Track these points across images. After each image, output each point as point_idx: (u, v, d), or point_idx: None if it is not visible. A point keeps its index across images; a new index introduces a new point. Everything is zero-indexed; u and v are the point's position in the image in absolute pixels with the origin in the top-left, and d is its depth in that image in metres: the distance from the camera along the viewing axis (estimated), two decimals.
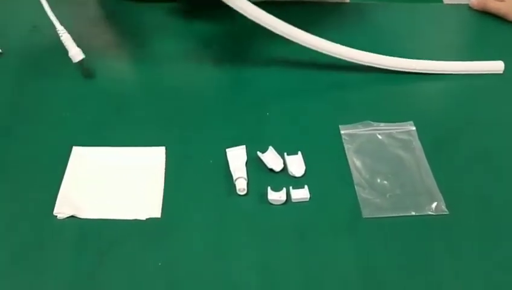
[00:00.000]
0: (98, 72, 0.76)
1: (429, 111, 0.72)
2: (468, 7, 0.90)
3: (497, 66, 0.78)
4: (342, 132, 0.68)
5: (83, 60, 0.73)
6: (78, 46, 0.73)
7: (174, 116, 0.69)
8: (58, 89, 0.73)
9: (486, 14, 0.88)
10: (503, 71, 0.78)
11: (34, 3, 0.86)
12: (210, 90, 0.74)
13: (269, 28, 0.70)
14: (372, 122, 0.68)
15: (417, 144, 0.67)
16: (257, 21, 0.70)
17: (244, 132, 0.68)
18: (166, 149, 0.65)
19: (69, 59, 0.74)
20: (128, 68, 0.78)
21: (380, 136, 0.67)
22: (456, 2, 0.97)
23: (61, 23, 0.74)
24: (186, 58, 0.78)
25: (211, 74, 0.76)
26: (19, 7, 0.86)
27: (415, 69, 0.76)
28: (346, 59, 0.75)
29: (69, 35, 0.73)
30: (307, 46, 0.72)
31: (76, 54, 0.72)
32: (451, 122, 0.71)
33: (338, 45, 0.74)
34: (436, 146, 0.67)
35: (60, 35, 0.73)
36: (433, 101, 0.75)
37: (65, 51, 0.75)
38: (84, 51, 0.73)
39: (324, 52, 0.73)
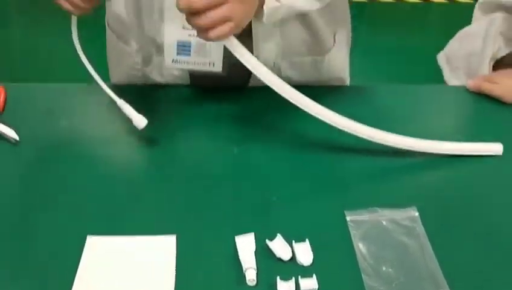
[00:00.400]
0: (110, 157, 0.79)
1: (431, 194, 0.74)
2: (465, 89, 0.94)
3: (496, 148, 0.81)
4: (347, 218, 0.70)
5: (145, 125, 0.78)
6: (89, 136, 0.77)
7: (184, 202, 0.72)
8: (71, 175, 0.76)
9: (484, 96, 0.92)
10: (502, 153, 0.81)
11: (49, 89, 0.91)
12: (218, 174, 0.77)
13: (281, 92, 0.74)
14: (376, 208, 0.70)
15: (420, 229, 0.68)
16: (268, 82, 0.73)
17: (252, 218, 0.70)
18: (177, 237, 0.67)
19: (83, 146, 0.77)
20: (139, 152, 0.81)
21: (384, 223, 0.69)
22: (460, 84, 1.01)
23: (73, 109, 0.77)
24: (194, 141, 0.82)
25: (218, 157, 0.79)
26: (35, 92, 0.91)
27: (413, 148, 0.79)
28: (358, 134, 0.77)
29: (128, 105, 0.79)
30: (316, 115, 0.75)
31: (140, 121, 0.78)
32: (453, 205, 0.73)
33: (348, 119, 0.77)
34: (439, 230, 0.69)
35: (121, 106, 0.79)
36: (434, 184, 0.77)
37: (79, 137, 0.79)
38: (96, 136, 0.76)
39: (332, 123, 0.76)
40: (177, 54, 0.80)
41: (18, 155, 0.78)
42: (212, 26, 0.65)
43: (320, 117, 0.76)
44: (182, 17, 0.67)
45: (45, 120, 0.84)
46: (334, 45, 0.94)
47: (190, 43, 0.79)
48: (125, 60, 0.92)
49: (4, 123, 0.81)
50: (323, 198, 0.73)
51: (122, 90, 0.91)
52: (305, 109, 0.75)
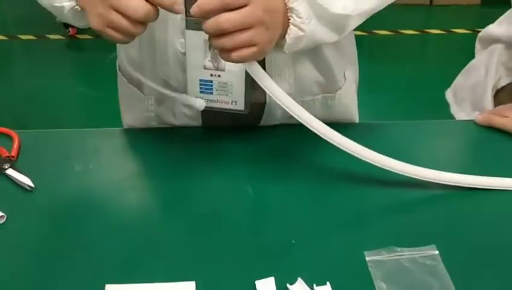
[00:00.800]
0: (126, 203, 0.79)
1: (450, 232, 0.74)
2: (474, 122, 0.95)
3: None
4: (367, 258, 0.69)
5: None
6: (104, 181, 0.76)
7: (201, 247, 0.71)
8: (87, 222, 0.75)
9: (493, 129, 0.93)
10: None
11: (63, 134, 0.91)
12: (235, 216, 0.76)
13: (302, 121, 0.76)
14: (395, 248, 0.70)
15: (442, 268, 0.68)
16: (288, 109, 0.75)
17: (272, 261, 0.69)
18: (196, 284, 0.66)
19: (98, 192, 0.77)
20: (154, 196, 0.81)
21: (404, 263, 0.68)
22: (466, 116, 1.02)
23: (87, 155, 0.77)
24: (209, 183, 0.81)
25: (234, 199, 0.79)
26: (48, 139, 0.91)
27: (435, 180, 0.79)
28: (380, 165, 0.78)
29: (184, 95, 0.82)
30: (339, 146, 0.76)
31: (201, 104, 0.80)
32: (473, 242, 0.72)
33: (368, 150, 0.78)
34: (460, 269, 0.68)
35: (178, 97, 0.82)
36: (453, 221, 0.77)
37: (94, 182, 0.79)
38: (111, 181, 0.76)
39: (358, 155, 0.77)
40: (200, 92, 0.81)
41: (33, 202, 0.78)
42: (237, 48, 0.66)
43: (344, 148, 0.77)
44: (203, 58, 0.69)
45: (60, 166, 0.84)
46: (344, 82, 0.95)
47: (212, 81, 0.80)
48: (138, 103, 0.93)
49: (18, 170, 0.82)
50: (341, 237, 0.73)
51: (134, 134, 0.92)
52: (328, 139, 0.76)
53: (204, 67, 0.78)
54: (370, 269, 0.68)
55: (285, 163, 0.85)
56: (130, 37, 0.68)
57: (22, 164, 0.84)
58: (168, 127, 0.93)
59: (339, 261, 0.69)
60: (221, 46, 0.67)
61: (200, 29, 0.79)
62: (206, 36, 0.80)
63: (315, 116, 0.91)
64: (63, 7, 0.73)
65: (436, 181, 0.80)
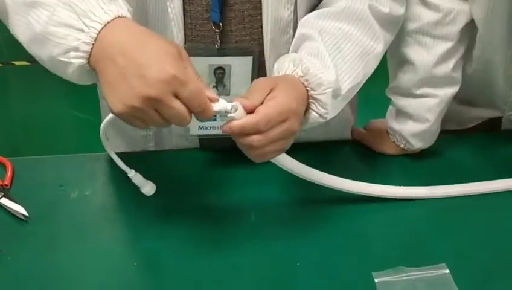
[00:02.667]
0: (124, 230, 0.77)
1: (460, 249, 0.72)
2: None
3: None
4: (375, 279, 0.67)
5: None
6: (101, 208, 0.74)
7: (204, 272, 0.69)
8: (83, 251, 0.73)
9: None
10: None
11: (60, 163, 0.89)
12: (238, 239, 0.74)
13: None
14: (404, 268, 0.68)
15: (453, 287, 0.65)
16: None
17: (277, 286, 0.67)
18: None
19: (94, 219, 0.75)
20: (152, 222, 0.78)
21: (414, 283, 0.66)
22: None
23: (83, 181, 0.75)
24: (208, 209, 0.79)
25: (236, 225, 0.76)
26: (42, 165, 0.89)
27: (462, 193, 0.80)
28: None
29: (139, 174, 0.74)
30: (338, 188, 0.76)
31: (150, 188, 0.74)
32: (484, 260, 0.70)
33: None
34: (472, 288, 0.66)
35: (131, 176, 0.74)
36: (462, 237, 0.75)
37: (90, 209, 0.77)
38: (108, 208, 0.74)
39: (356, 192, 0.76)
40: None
41: (28, 232, 0.75)
42: (263, 156, 0.66)
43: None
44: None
45: (55, 194, 0.81)
46: None
47: None
48: (132, 133, 0.90)
49: (12, 199, 0.79)
50: (347, 258, 0.71)
51: (131, 158, 0.90)
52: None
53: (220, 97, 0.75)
54: None
55: (288, 186, 0.83)
56: (144, 127, 0.62)
57: (15, 192, 0.81)
58: (165, 150, 0.91)
59: (347, 283, 0.67)
60: (246, 153, 0.66)
61: (203, 55, 0.78)
62: (210, 61, 0.79)
63: (314, 135, 0.90)
64: (69, 64, 0.62)
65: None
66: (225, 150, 0.88)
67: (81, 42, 0.60)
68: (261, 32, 0.78)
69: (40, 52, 0.64)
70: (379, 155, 0.91)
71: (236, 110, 0.62)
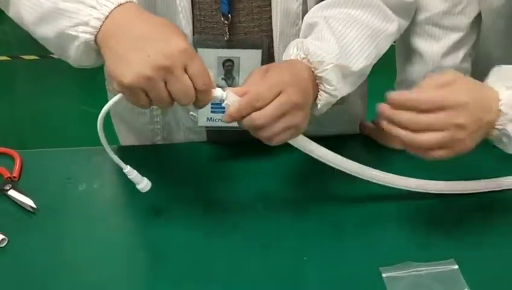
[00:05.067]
0: (131, 222, 0.77)
1: (469, 244, 0.71)
2: None
3: None
4: (383, 275, 0.66)
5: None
6: (108, 200, 0.74)
7: (211, 266, 0.69)
8: (90, 242, 0.73)
9: None
10: None
11: (68, 156, 0.89)
12: (244, 233, 0.74)
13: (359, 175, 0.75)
14: (412, 263, 0.67)
15: (462, 283, 0.65)
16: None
17: (284, 280, 0.66)
18: None
19: (101, 212, 0.75)
20: (159, 214, 0.78)
21: (422, 279, 0.66)
22: None
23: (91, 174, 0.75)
24: (215, 200, 0.79)
25: (243, 216, 0.76)
26: (51, 158, 0.89)
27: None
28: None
29: (135, 171, 0.73)
30: (353, 173, 0.75)
31: (145, 185, 0.73)
32: (492, 256, 0.69)
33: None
34: (482, 284, 0.65)
35: (127, 172, 0.73)
36: (472, 234, 0.74)
37: (97, 202, 0.77)
38: (116, 201, 0.74)
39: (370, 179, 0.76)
40: (212, 111, 0.78)
41: (35, 224, 0.75)
42: (275, 135, 0.66)
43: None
44: (216, 76, 0.69)
45: (63, 186, 0.81)
46: (351, 92, 0.93)
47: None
48: (141, 128, 0.90)
49: (20, 191, 0.79)
50: (355, 252, 0.70)
51: (139, 151, 0.90)
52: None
53: (217, 86, 0.75)
54: (387, 285, 0.65)
55: (296, 179, 0.83)
56: (148, 106, 0.63)
57: (24, 184, 0.81)
58: (173, 144, 0.91)
59: (354, 278, 0.67)
60: (259, 136, 0.67)
61: (212, 46, 0.77)
62: (219, 53, 0.78)
63: (323, 129, 0.89)
64: (76, 37, 0.63)
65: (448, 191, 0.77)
66: (232, 143, 0.88)
67: (92, 18, 0.62)
68: (270, 24, 0.78)
69: (47, 30, 0.66)
70: (387, 149, 0.90)
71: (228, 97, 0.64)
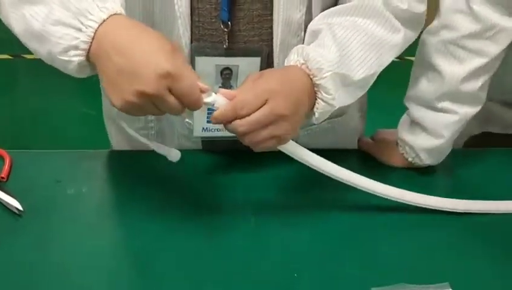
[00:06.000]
0: (119, 227, 0.75)
1: (465, 269, 0.69)
2: None
3: None
4: None
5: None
6: (97, 205, 0.72)
7: (200, 281, 0.67)
8: (77, 248, 0.71)
9: None
10: None
11: (59, 158, 0.87)
12: (235, 247, 0.72)
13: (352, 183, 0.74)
14: (406, 285, 0.65)
15: None
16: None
17: None
18: None
19: (89, 216, 0.73)
20: (148, 220, 0.76)
21: None
22: None
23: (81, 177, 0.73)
24: (207, 210, 0.77)
25: (235, 229, 0.74)
26: (41, 160, 0.87)
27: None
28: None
29: (160, 144, 0.75)
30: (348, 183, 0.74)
31: (175, 155, 0.74)
32: (488, 281, 0.68)
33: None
34: None
35: (152, 146, 0.75)
36: (468, 258, 0.72)
37: (86, 206, 0.75)
38: (104, 206, 0.72)
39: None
40: (208, 121, 0.76)
41: (22, 226, 0.73)
42: (259, 143, 0.66)
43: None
44: (213, 84, 0.69)
45: (51, 189, 0.80)
46: (349, 107, 0.91)
47: None
48: (134, 133, 0.88)
49: (7, 192, 0.77)
50: (347, 271, 0.68)
51: (130, 156, 0.88)
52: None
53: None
54: None
55: (289, 192, 0.81)
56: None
57: (12, 185, 0.79)
58: None
59: None
60: (242, 141, 0.66)
61: (210, 54, 0.76)
62: (217, 61, 0.77)
63: (321, 142, 0.88)
64: (70, 61, 0.63)
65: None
66: (228, 152, 0.86)
67: (80, 41, 0.62)
68: (271, 33, 0.76)
69: (39, 48, 0.66)
70: (385, 166, 0.88)
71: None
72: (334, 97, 0.69)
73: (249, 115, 0.63)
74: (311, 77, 0.68)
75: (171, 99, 0.60)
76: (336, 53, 0.69)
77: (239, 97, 0.64)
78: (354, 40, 0.71)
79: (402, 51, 0.77)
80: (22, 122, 2.68)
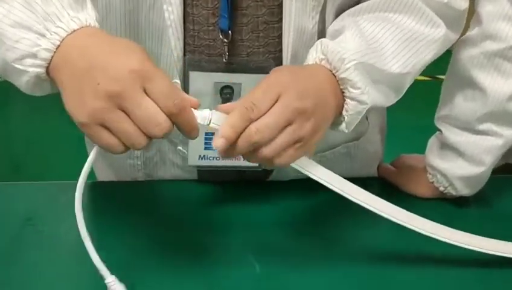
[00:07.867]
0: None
1: None
2: None
3: None
4: None
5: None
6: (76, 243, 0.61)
7: None
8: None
9: None
10: None
11: (30, 192, 0.77)
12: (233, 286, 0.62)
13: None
14: None
15: None
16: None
17: None
18: None
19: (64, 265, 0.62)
20: (145, 269, 0.65)
21: None
22: None
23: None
24: (205, 254, 0.67)
25: (236, 277, 0.64)
26: (13, 196, 0.77)
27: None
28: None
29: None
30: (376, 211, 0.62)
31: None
32: None
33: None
34: None
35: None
36: None
37: (63, 253, 0.66)
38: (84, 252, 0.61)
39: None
40: (205, 148, 0.67)
41: None
42: (281, 152, 0.54)
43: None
44: (211, 105, 0.56)
45: (21, 228, 0.69)
46: (368, 126, 0.81)
47: None
48: (120, 162, 0.78)
49: None
50: None
51: (116, 189, 0.78)
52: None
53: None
54: None
55: (298, 229, 0.71)
56: (124, 147, 0.51)
57: None
58: (155, 181, 0.79)
59: None
60: (262, 158, 0.54)
61: (207, 69, 0.66)
62: (216, 78, 0.66)
63: (336, 170, 0.77)
64: (24, 72, 0.54)
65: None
66: (227, 183, 0.77)
67: (41, 49, 0.53)
68: (279, 44, 0.66)
69: None
70: (410, 197, 0.78)
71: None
72: (363, 91, 0.58)
73: (260, 117, 0.52)
74: (334, 72, 0.58)
75: (146, 101, 0.49)
76: (360, 42, 0.59)
77: (244, 98, 0.53)
78: (385, 34, 0.61)
79: (443, 50, 0.66)
80: (15, 146, 2.64)
